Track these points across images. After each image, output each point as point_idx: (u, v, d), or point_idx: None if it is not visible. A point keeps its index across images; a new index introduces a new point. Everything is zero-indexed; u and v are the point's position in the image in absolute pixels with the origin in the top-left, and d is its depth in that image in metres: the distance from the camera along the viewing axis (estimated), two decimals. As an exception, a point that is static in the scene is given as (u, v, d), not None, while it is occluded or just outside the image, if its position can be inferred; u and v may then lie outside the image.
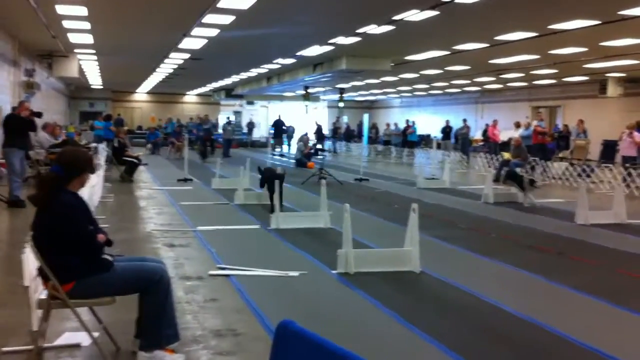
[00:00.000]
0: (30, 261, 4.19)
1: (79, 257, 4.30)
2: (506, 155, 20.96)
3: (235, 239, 9.65)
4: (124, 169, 18.20)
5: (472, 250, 9.10)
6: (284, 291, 6.74)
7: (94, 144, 24.02)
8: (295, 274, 7.35)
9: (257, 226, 10.65)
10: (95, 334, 4.65)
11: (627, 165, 18.89)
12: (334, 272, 7.46)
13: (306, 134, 27.81)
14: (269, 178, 12.08)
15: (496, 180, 17.74)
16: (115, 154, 18.53)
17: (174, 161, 25.50)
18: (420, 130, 37.66)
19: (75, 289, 4.27)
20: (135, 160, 18.63)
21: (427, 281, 7.30)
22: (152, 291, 4.45)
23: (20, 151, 12.29)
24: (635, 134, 19.91)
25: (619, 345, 5.28)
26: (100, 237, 4.45)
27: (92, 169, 4.55)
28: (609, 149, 22.46)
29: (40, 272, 4.26)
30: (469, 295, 6.72)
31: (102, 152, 19.27)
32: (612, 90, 27.55)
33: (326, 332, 5.02)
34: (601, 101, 29.03)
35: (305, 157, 24.48)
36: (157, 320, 4.48)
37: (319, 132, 36.54)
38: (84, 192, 6.05)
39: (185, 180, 17.75)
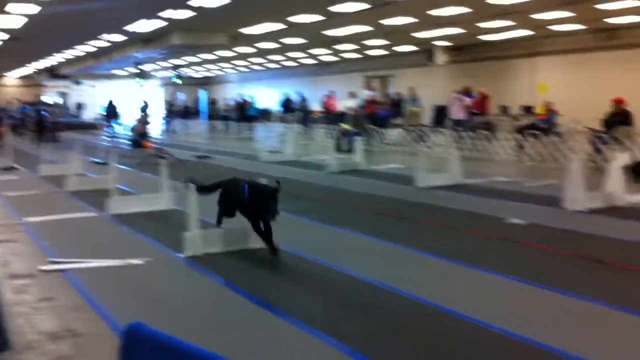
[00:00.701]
0: None
1: None
2: (344, 125, 21.26)
3: (69, 229, 8.82)
4: None
5: (323, 221, 8.98)
6: (128, 282, 6.18)
7: None
8: (139, 261, 6.78)
9: (93, 213, 9.83)
10: None
11: (458, 128, 19.81)
12: (181, 255, 6.98)
13: (144, 112, 26.34)
14: (249, 200, 7.00)
15: (338, 150, 17.94)
16: None
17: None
18: (259, 104, 37.38)
19: None
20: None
21: (282, 257, 7.03)
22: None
23: None
24: (465, 98, 20.94)
25: (476, 306, 5.32)
26: None
27: None
28: (440, 114, 23.46)
29: None
30: (327, 269, 6.54)
31: None
32: (439, 58, 28.89)
33: (180, 326, 4.60)
34: (429, 69, 30.33)
35: (140, 136, 23.16)
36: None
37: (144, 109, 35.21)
38: None
39: (9, 169, 16.20)
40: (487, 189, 12.09)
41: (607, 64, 23.40)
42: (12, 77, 46.13)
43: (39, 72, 41.98)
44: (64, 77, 42.37)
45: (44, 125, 28.06)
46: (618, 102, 15.74)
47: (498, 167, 15.76)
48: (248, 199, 6.96)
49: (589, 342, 4.53)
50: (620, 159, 10.56)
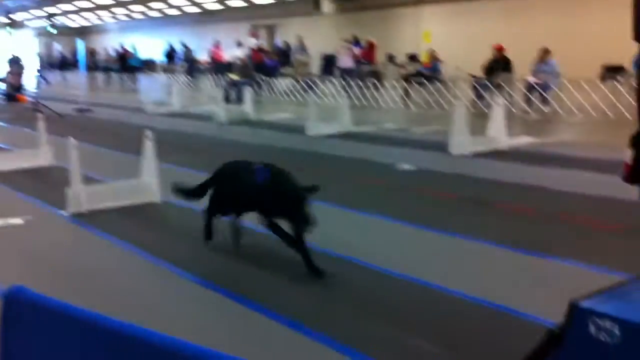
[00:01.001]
0: None
1: None
2: (232, 75, 20.85)
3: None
4: None
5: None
6: (8, 244, 5.79)
7: None
8: (19, 221, 6.38)
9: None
10: None
11: (346, 77, 19.91)
12: (64, 213, 6.62)
13: (17, 64, 24.41)
14: (268, 189, 4.99)
15: (226, 100, 17.62)
16: None
17: None
18: (142, 54, 35.94)
19: None
20: None
21: (171, 212, 6.82)
22: None
23: None
24: (354, 47, 21.01)
25: (366, 251, 5.38)
26: None
27: None
28: (328, 63, 23.48)
29: None
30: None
31: None
32: (326, 7, 28.79)
33: (65, 289, 4.38)
34: (316, 19, 30.18)
35: (14, 89, 21.68)
36: None
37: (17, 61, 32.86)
38: None
39: None
40: (376, 136, 12.28)
41: (491, 13, 24.10)
42: None
43: None
44: None
45: None
46: (498, 49, 16.28)
47: (386, 115, 16.00)
48: (267, 187, 4.94)
49: (477, 279, 4.71)
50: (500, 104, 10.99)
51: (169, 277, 4.86)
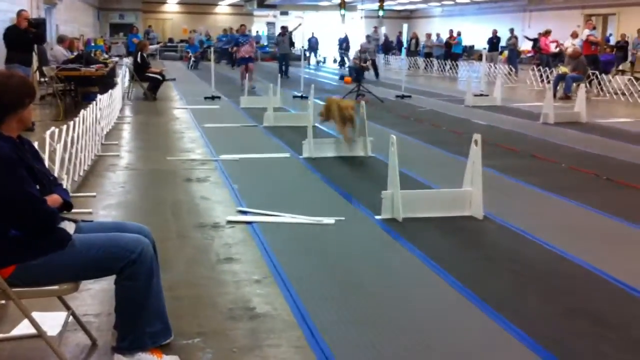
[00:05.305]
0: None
1: (20, 229, 3.03)
2: (563, 69, 19.02)
3: (260, 171, 8.30)
4: (147, 86, 16.87)
5: (541, 186, 7.59)
6: (315, 247, 5.40)
7: (115, 58, 22.80)
8: (330, 220, 6.01)
9: (287, 154, 9.29)
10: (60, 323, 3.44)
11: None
12: (376, 217, 6.11)
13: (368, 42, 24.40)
14: None
15: (554, 96, 16.03)
16: (137, 70, 17.12)
17: (207, 76, 23.92)
18: (464, 41, 35.26)
19: (17, 274, 3.01)
20: (158, 77, 17.25)
21: (492, 230, 5.90)
22: (128, 274, 3.16)
23: (22, 67, 10.92)
24: None
25: None
26: (53, 200, 3.15)
27: (31, 98, 3.18)
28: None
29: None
30: (548, 253, 5.31)
31: (125, 67, 18.01)
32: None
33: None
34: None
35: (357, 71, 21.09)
36: (137, 313, 3.23)
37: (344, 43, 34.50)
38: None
39: (213, 98, 16.40)
40: None
41: None
42: (223, 4, 47.57)
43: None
44: (271, 6, 42.88)
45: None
46: None
47: None
48: None
49: None
50: None
51: (482, 321, 3.96)
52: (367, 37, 27.58)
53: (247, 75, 17.71)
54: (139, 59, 17.18)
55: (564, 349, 3.63)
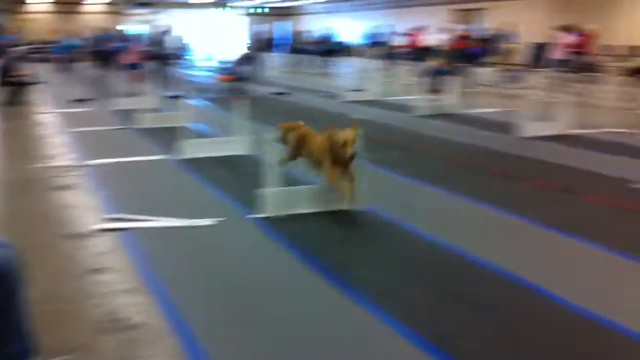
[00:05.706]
0: None
1: None
2: (433, 62, 19.68)
3: (133, 175, 8.01)
4: (10, 91, 15.87)
5: (420, 178, 7.78)
6: (191, 250, 5.26)
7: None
8: (206, 222, 5.87)
9: (162, 156, 9.01)
10: None
11: (561, 69, 17.97)
12: (254, 215, 6.04)
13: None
14: None
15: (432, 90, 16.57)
16: (1, 73, 16.03)
17: (81, 78, 22.84)
18: (341, 37, 35.80)
19: None
20: (25, 80, 16.27)
21: (373, 222, 5.99)
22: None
23: None
24: (572, 36, 18.88)
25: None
26: None
27: None
28: (539, 53, 21.51)
29: None
30: (427, 243, 5.45)
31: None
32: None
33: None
34: (526, 3, 28.02)
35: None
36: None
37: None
38: None
39: (82, 100, 15.69)
40: (602, 142, 10.59)
41: None
42: (93, 2, 45.74)
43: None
44: (146, 4, 41.60)
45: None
46: None
47: (606, 116, 14.08)
48: None
49: None
50: None
51: (358, 313, 4.00)
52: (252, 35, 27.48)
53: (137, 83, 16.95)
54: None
55: (440, 333, 3.73)
